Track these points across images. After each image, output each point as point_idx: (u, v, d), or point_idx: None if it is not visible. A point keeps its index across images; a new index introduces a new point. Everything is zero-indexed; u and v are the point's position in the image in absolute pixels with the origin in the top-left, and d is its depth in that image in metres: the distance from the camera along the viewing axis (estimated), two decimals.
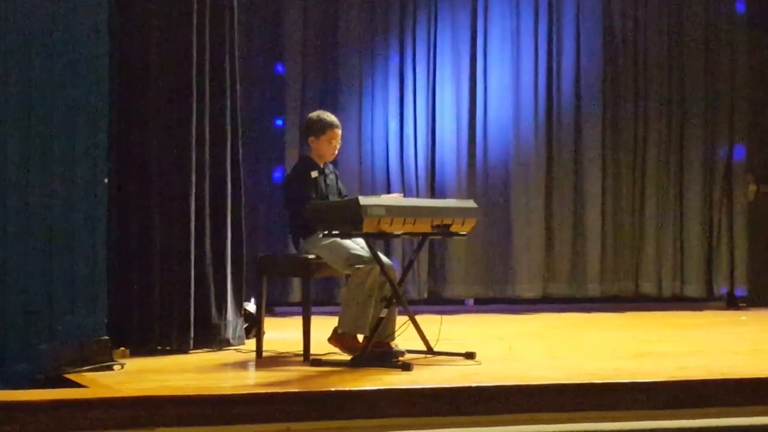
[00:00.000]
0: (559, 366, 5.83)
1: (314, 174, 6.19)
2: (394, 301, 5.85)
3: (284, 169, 9.09)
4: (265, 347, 6.18)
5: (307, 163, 6.27)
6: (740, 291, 10.43)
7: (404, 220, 5.73)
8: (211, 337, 6.53)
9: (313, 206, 5.89)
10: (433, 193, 9.67)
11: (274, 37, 9.41)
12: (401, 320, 6.03)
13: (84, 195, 5.53)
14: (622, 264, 10.19)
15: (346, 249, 5.97)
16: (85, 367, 5.34)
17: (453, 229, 5.98)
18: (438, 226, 5.91)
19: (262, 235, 9.12)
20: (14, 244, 5.40)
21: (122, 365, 5.57)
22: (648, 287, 10.24)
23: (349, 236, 5.80)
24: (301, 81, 9.42)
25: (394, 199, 6.02)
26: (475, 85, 9.86)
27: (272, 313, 8.42)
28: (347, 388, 4.89)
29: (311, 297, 6.09)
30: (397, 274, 6.06)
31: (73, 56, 5.53)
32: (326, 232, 5.81)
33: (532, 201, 9.97)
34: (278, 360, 6.07)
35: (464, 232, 6.08)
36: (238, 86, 6.77)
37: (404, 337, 6.06)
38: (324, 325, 6.10)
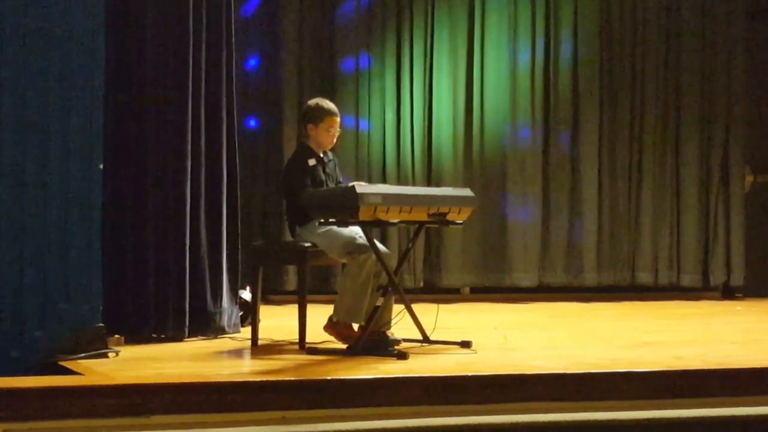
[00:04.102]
0: (555, 355, 5.82)
1: (312, 162, 6.17)
2: (390, 289, 5.84)
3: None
4: (260, 335, 6.16)
5: (304, 150, 6.25)
6: (736, 281, 10.43)
7: (400, 209, 5.72)
8: (206, 325, 6.51)
9: (309, 194, 5.88)
10: (429, 182, 9.66)
11: (271, 24, 9.38)
12: (397, 309, 6.02)
13: (79, 181, 5.49)
14: (618, 253, 10.20)
15: (342, 237, 5.96)
16: (80, 355, 5.33)
17: (449, 217, 5.97)
18: (434, 215, 5.90)
19: (259, 222, 9.11)
20: (8, 230, 5.37)
21: (117, 353, 5.56)
22: (644, 277, 10.25)
23: (346, 224, 5.79)
24: (297, 70, 9.40)
25: (391, 186, 6.01)
26: (471, 73, 9.84)
27: (268, 301, 8.41)
28: (343, 377, 4.88)
29: (307, 285, 6.07)
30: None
31: (69, 39, 5.51)
32: (322, 220, 5.80)
33: (528, 190, 9.97)
34: (273, 348, 6.06)
35: (460, 221, 6.07)
36: (234, 76, 6.75)
37: (400, 325, 6.05)
38: (320, 314, 6.09)
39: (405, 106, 9.66)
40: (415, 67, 9.69)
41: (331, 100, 6.63)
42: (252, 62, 9.25)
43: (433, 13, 9.78)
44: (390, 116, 9.63)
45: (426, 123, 9.73)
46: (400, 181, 9.44)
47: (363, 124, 9.59)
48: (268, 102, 9.36)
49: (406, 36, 9.69)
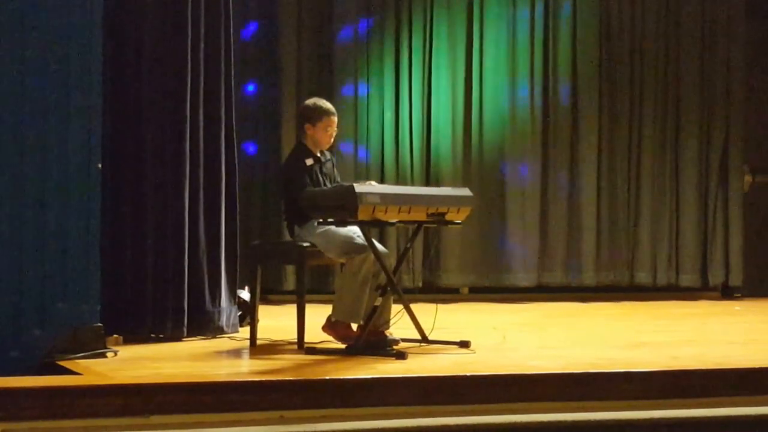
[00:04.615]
0: (554, 355, 5.82)
1: (309, 161, 6.17)
2: (389, 289, 5.84)
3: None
4: (259, 335, 6.16)
5: (302, 150, 6.24)
6: (735, 281, 10.43)
7: (399, 209, 5.72)
8: (204, 325, 6.51)
9: (308, 194, 5.88)
10: (428, 182, 9.66)
11: (268, 23, 9.38)
12: (396, 309, 6.02)
13: (78, 181, 5.50)
14: (617, 253, 10.20)
15: (340, 237, 5.95)
16: (79, 355, 5.33)
17: (448, 217, 5.97)
18: (433, 215, 5.90)
19: (257, 222, 9.11)
20: (7, 230, 5.37)
21: (115, 353, 5.55)
22: (643, 277, 10.26)
23: (344, 224, 5.79)
24: (296, 69, 9.40)
25: (389, 186, 6.02)
26: (470, 74, 9.85)
27: (266, 301, 8.40)
28: (341, 377, 4.88)
29: (306, 285, 6.08)
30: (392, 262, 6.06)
31: (67, 43, 5.51)
32: (321, 220, 5.80)
33: (527, 189, 9.97)
34: (272, 348, 6.06)
35: (459, 221, 6.07)
36: (233, 73, 6.75)
37: (399, 325, 6.05)
38: (318, 313, 6.09)
39: (404, 106, 9.66)
40: (414, 66, 9.69)
41: (329, 98, 6.63)
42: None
43: (432, 12, 9.78)
44: (388, 116, 9.63)
45: (425, 123, 9.74)
46: (398, 181, 9.45)
47: (361, 123, 9.59)
48: (270, 101, 9.38)
49: (405, 35, 9.69)
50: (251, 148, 9.29)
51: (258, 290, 6.22)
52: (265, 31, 9.37)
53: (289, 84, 9.35)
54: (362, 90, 9.60)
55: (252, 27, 9.32)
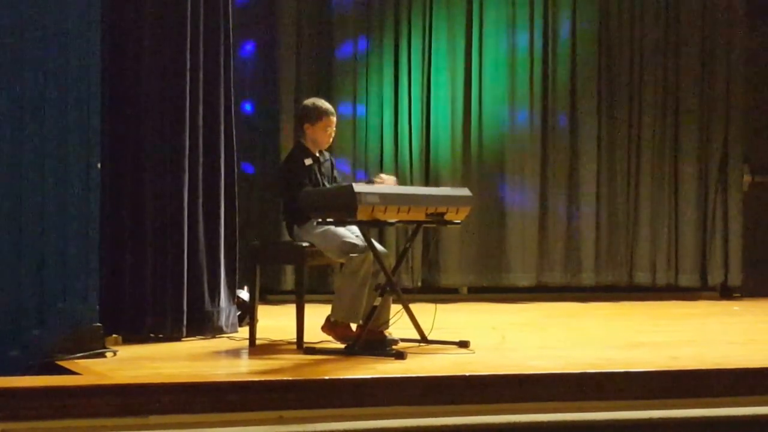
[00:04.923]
0: (553, 355, 5.82)
1: (308, 161, 6.17)
2: (388, 289, 5.84)
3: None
4: (258, 335, 6.16)
5: (301, 150, 6.25)
6: (734, 281, 10.43)
7: (398, 208, 5.72)
8: (203, 325, 6.51)
9: (307, 194, 5.88)
10: (427, 181, 9.66)
11: (268, 22, 9.38)
12: (395, 309, 6.02)
13: (77, 181, 5.50)
14: (616, 253, 10.20)
15: (339, 237, 5.96)
16: (78, 354, 5.33)
17: (447, 217, 5.97)
18: (432, 215, 5.90)
19: (257, 222, 9.11)
20: (6, 230, 5.37)
21: (115, 352, 5.56)
22: (642, 277, 10.25)
23: (344, 224, 5.79)
24: (295, 67, 9.40)
25: (389, 186, 6.00)
26: (470, 73, 9.83)
27: (265, 301, 8.39)
28: (340, 377, 4.88)
29: (305, 285, 6.07)
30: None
31: (66, 39, 5.51)
32: (320, 220, 5.80)
33: (526, 189, 9.97)
34: (271, 348, 6.06)
35: (458, 221, 6.08)
36: (232, 72, 6.75)
37: (398, 325, 6.05)
38: (318, 313, 6.09)
39: (403, 106, 9.65)
40: (413, 66, 9.68)
41: (329, 97, 6.63)
42: (248, 56, 9.27)
43: (431, 10, 9.77)
44: (388, 115, 9.63)
45: (424, 122, 9.73)
46: (398, 181, 9.43)
47: (360, 123, 9.58)
48: (266, 99, 9.36)
49: (404, 34, 9.69)
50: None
51: (257, 290, 6.22)
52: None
53: (287, 86, 9.33)
54: (361, 90, 9.58)
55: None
